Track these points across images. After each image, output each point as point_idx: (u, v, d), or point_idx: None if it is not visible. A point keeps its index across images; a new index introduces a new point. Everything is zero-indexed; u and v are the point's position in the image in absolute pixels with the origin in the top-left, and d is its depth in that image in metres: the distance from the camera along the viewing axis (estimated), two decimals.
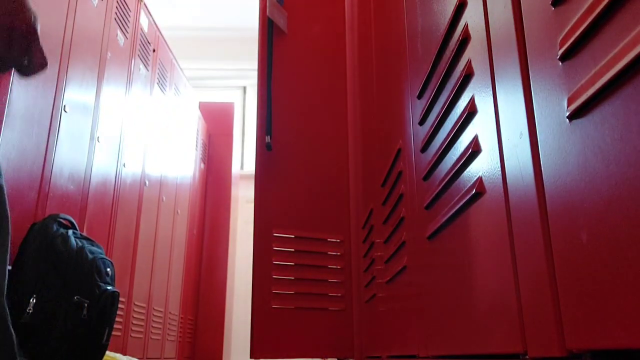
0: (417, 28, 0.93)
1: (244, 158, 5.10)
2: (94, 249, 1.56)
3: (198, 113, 3.87)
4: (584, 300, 0.38)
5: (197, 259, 3.81)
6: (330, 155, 1.89)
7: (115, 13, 2.26)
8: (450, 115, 0.72)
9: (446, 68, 0.72)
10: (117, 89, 2.28)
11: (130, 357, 1.96)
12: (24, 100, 1.52)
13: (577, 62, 0.40)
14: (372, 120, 1.46)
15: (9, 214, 0.82)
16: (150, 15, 2.78)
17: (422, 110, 0.86)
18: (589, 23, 0.37)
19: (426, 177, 0.84)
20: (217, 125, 4.27)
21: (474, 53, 0.63)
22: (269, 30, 1.92)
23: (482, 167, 0.60)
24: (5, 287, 0.81)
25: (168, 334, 3.05)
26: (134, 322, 2.48)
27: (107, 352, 1.56)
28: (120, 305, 1.59)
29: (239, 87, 5.39)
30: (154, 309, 2.78)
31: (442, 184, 0.74)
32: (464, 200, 0.64)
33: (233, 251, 4.22)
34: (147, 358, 2.68)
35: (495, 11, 0.57)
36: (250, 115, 5.18)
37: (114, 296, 1.53)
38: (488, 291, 0.58)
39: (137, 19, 2.56)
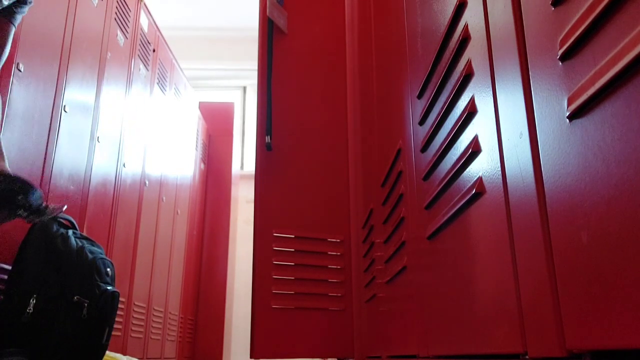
0: (417, 28, 0.93)
1: (244, 158, 5.10)
2: (94, 249, 1.56)
3: (198, 113, 3.86)
4: (584, 300, 0.38)
5: (197, 259, 3.81)
6: (330, 155, 1.89)
7: (115, 13, 2.26)
8: (450, 115, 0.72)
9: (446, 68, 0.72)
10: (117, 89, 2.28)
11: (130, 357, 1.96)
12: (24, 100, 1.52)
13: (577, 62, 0.40)
14: (372, 121, 1.46)
15: None
16: (150, 15, 2.78)
17: (422, 110, 0.86)
18: (589, 23, 0.37)
19: (426, 177, 0.84)
20: (217, 125, 4.27)
21: (474, 53, 0.63)
22: (269, 30, 1.92)
23: (482, 167, 0.60)
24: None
25: (168, 334, 3.05)
26: (134, 322, 2.48)
27: (107, 352, 1.56)
28: (120, 305, 1.59)
29: (239, 87, 5.39)
30: (154, 309, 2.78)
31: (442, 184, 0.74)
32: (464, 200, 0.64)
33: (233, 251, 4.22)
34: (147, 358, 2.68)
35: (495, 11, 0.57)
36: (250, 115, 5.18)
37: (114, 296, 1.53)
38: (488, 291, 0.58)
39: (137, 19, 2.56)
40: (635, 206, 0.32)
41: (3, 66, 1.38)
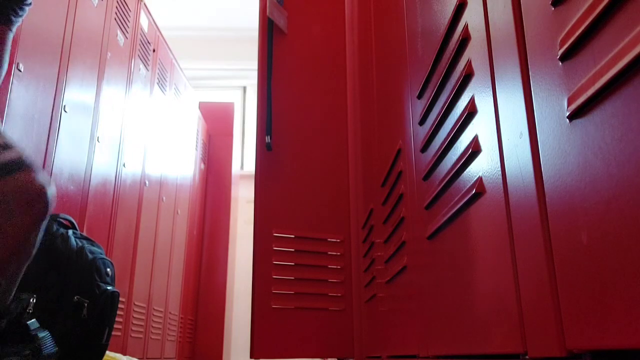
0: (417, 28, 0.93)
1: (244, 158, 5.10)
2: (94, 249, 1.56)
3: (198, 113, 3.86)
4: (584, 300, 0.38)
5: (197, 259, 3.81)
6: (330, 155, 1.89)
7: (115, 13, 2.26)
8: (450, 115, 0.72)
9: (446, 68, 0.72)
10: (117, 89, 2.28)
11: (130, 357, 1.96)
12: (24, 100, 1.52)
13: (577, 62, 0.40)
14: (372, 121, 1.46)
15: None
16: (150, 15, 2.78)
17: (422, 110, 0.86)
18: (589, 23, 0.37)
19: (426, 177, 0.84)
20: (217, 125, 4.27)
21: (474, 53, 0.63)
22: (269, 30, 1.92)
23: (482, 167, 0.60)
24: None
25: (168, 334, 3.05)
26: (134, 322, 2.48)
27: (107, 352, 1.56)
28: (120, 305, 1.59)
29: (239, 87, 5.39)
30: (154, 309, 2.78)
31: (442, 184, 0.74)
32: (464, 200, 0.64)
33: (233, 251, 4.22)
34: (147, 358, 2.68)
35: (495, 11, 0.57)
36: (250, 115, 5.18)
37: (114, 296, 1.53)
38: (488, 291, 0.58)
39: (137, 19, 2.56)
40: (635, 206, 0.32)
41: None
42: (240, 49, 4.90)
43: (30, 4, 1.01)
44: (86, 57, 1.95)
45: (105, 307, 1.49)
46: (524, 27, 0.50)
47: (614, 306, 0.35)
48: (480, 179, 0.60)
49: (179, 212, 3.29)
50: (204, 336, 3.77)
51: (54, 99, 1.70)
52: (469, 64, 0.64)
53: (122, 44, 2.34)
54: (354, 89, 1.85)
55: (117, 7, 2.27)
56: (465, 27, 0.66)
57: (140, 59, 2.60)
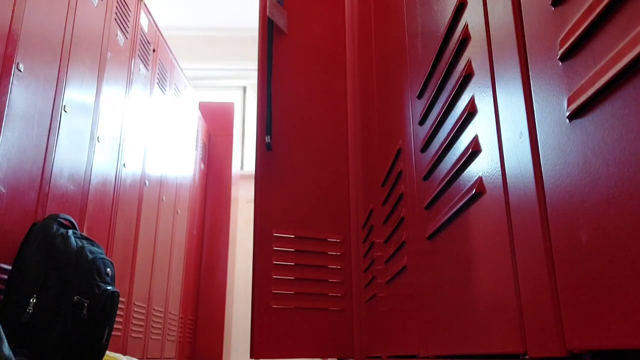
0: (417, 28, 0.93)
1: (244, 158, 5.10)
2: (94, 249, 1.56)
3: (198, 113, 3.86)
4: (584, 300, 0.38)
5: (197, 259, 3.81)
6: (330, 155, 1.89)
7: (115, 13, 2.26)
8: (450, 115, 0.72)
9: (446, 68, 0.72)
10: (117, 89, 2.28)
11: (130, 357, 1.96)
12: (24, 100, 1.52)
13: (577, 62, 0.40)
14: (372, 120, 1.46)
15: None
16: (150, 15, 2.78)
17: (422, 110, 0.86)
18: (589, 23, 0.37)
19: (426, 177, 0.84)
20: (217, 125, 4.26)
21: (474, 53, 0.63)
22: (269, 30, 1.92)
23: (482, 167, 0.60)
24: None
25: (168, 334, 3.05)
26: (134, 322, 2.48)
27: (107, 352, 1.56)
28: (120, 305, 1.60)
29: (239, 87, 5.39)
30: (154, 309, 2.78)
31: (442, 184, 0.74)
32: (464, 200, 0.64)
33: (233, 251, 4.22)
34: (147, 358, 2.68)
35: (495, 11, 0.57)
36: (250, 115, 5.18)
37: (114, 296, 1.53)
38: (488, 291, 0.58)
39: (137, 19, 2.56)
40: (635, 206, 0.32)
41: (3, 66, 1.38)
42: (240, 49, 4.90)
43: None
44: (86, 57, 1.95)
45: (105, 307, 1.49)
46: (524, 27, 0.50)
47: (614, 306, 0.35)
48: (480, 179, 0.60)
49: (179, 212, 3.29)
50: (204, 336, 3.77)
51: (54, 99, 1.70)
52: (469, 64, 0.65)
53: (122, 44, 2.34)
54: (354, 89, 1.85)
55: (117, 7, 2.27)
56: (465, 27, 0.66)
57: (140, 59, 2.60)
